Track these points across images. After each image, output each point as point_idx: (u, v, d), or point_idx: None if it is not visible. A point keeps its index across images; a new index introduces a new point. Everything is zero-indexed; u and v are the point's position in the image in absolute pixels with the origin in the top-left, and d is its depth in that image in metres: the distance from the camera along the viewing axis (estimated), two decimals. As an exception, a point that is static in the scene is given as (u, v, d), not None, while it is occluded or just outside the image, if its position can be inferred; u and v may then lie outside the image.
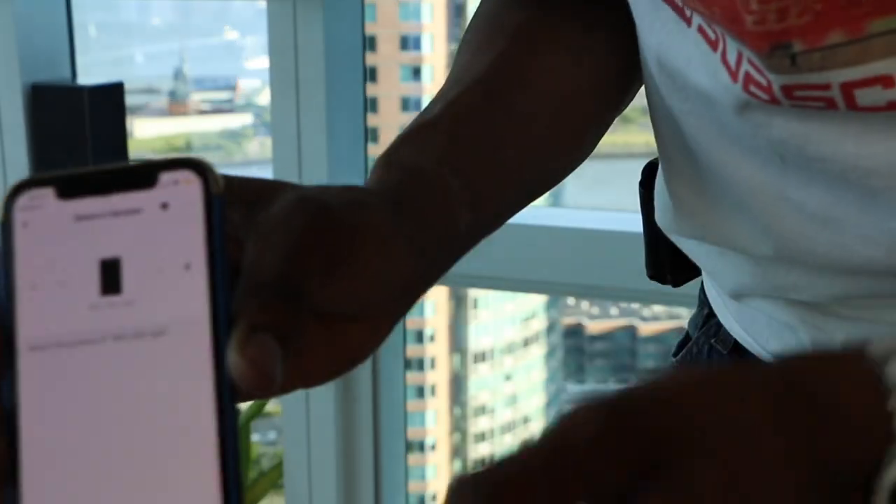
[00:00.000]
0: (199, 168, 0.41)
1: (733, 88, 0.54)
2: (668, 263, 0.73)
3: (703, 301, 0.73)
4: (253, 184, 0.46)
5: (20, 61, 1.80)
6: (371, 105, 2.04)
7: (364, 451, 1.70)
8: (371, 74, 2.04)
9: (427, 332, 4.18)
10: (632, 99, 0.66)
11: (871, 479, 0.37)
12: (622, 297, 1.78)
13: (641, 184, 0.73)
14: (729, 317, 0.69)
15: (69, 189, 0.41)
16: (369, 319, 0.47)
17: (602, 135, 0.64)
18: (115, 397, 0.39)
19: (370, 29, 1.78)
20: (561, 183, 0.64)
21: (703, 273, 0.72)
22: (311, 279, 0.44)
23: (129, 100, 1.86)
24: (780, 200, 0.57)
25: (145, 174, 0.41)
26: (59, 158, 1.81)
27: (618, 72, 0.64)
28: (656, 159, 0.71)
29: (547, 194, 0.63)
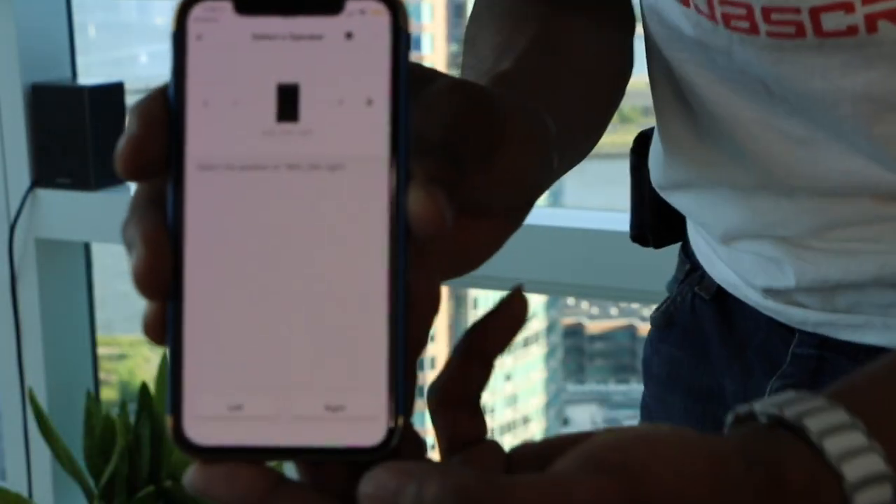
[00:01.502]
0: (390, 1, 0.38)
1: (717, 31, 0.60)
2: (650, 226, 0.79)
3: (684, 259, 0.79)
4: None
5: (20, 61, 1.81)
6: (371, 105, 2.02)
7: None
8: (371, 74, 2.02)
9: (427, 331, 4.15)
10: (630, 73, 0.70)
11: None
12: (622, 297, 1.78)
13: (633, 151, 0.79)
14: (717, 262, 0.73)
15: (248, 5, 0.38)
16: (497, 219, 0.47)
17: (609, 121, 0.66)
18: (283, 226, 0.37)
19: (370, 29, 1.78)
20: (561, 183, 0.66)
21: (691, 227, 0.77)
22: (470, 155, 0.43)
23: (130, 100, 1.86)
24: (767, 130, 0.63)
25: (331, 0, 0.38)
26: (59, 158, 1.81)
27: (617, 59, 0.68)
28: (647, 129, 0.78)
29: (547, 194, 0.64)
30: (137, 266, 0.37)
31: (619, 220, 1.59)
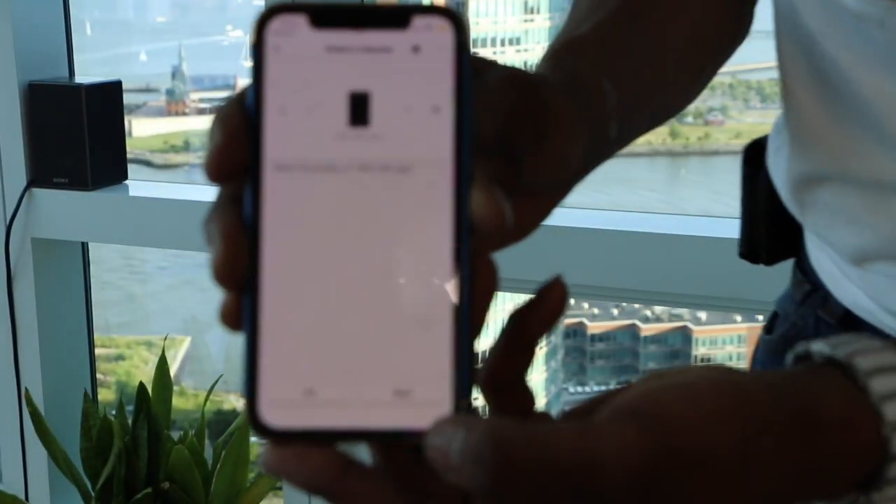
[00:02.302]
0: (453, 17, 0.41)
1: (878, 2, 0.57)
2: (764, 241, 0.76)
3: (801, 279, 0.74)
4: None
5: (17, 59, 1.80)
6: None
7: (363, 451, 1.69)
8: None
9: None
10: (730, 56, 0.69)
11: (869, 484, 0.42)
12: (623, 297, 1.77)
13: (745, 161, 0.76)
14: (846, 284, 0.69)
15: (322, 19, 0.42)
16: (542, 198, 0.50)
17: (706, 84, 0.67)
18: (355, 222, 0.40)
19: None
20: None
21: (812, 247, 0.73)
22: (522, 146, 0.46)
23: (127, 98, 1.85)
24: None
25: (399, 15, 0.41)
26: (56, 157, 1.80)
27: (728, 23, 0.67)
28: (760, 137, 0.75)
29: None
30: (216, 259, 0.40)
31: (620, 220, 1.58)
